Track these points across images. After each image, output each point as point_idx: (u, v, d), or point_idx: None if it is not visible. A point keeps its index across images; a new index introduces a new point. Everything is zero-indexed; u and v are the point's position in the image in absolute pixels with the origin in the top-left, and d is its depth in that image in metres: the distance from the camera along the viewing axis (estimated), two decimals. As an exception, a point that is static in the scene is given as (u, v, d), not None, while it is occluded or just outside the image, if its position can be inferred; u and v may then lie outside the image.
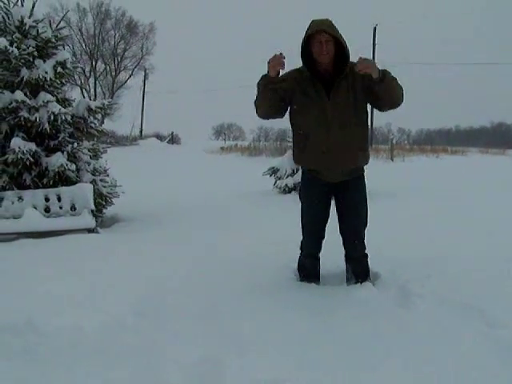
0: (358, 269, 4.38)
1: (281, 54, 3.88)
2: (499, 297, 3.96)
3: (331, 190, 4.25)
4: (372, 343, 3.25)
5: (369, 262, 4.42)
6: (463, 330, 3.38)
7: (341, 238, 4.36)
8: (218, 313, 3.79)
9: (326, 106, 3.99)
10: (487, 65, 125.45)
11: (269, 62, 3.89)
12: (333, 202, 4.31)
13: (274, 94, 4.00)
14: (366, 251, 4.40)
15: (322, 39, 3.87)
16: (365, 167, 4.31)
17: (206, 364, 2.98)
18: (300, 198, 4.43)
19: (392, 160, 25.97)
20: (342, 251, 4.40)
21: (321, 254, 4.45)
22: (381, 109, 4.14)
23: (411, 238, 6.25)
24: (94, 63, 50.11)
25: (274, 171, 12.16)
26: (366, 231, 4.34)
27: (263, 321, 3.62)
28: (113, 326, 3.54)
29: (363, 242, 4.35)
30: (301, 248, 4.50)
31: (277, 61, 3.86)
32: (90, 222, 7.49)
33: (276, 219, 8.12)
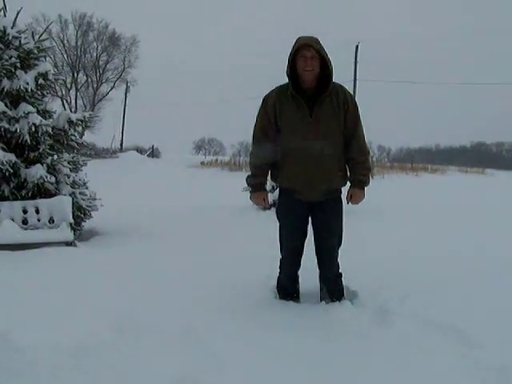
0: (332, 288, 4.36)
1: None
2: (478, 317, 3.96)
3: (308, 209, 4.23)
4: (348, 363, 3.26)
5: (343, 282, 4.41)
6: (442, 350, 3.38)
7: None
8: (195, 330, 3.75)
9: (308, 125, 4.00)
10: (468, 85, 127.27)
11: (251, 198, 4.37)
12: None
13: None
14: (340, 271, 4.39)
15: (307, 54, 3.90)
16: (342, 189, 4.31)
17: (183, 383, 2.95)
18: (277, 216, 4.40)
19: (372, 178, 26.08)
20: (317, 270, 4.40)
21: (299, 272, 4.45)
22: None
23: (390, 256, 6.26)
24: (75, 75, 49.92)
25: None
26: (340, 250, 4.35)
27: (240, 339, 3.59)
28: (90, 341, 3.49)
29: (337, 262, 4.35)
30: (280, 267, 4.49)
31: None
32: (68, 234, 7.42)
33: (252, 235, 8.09)
